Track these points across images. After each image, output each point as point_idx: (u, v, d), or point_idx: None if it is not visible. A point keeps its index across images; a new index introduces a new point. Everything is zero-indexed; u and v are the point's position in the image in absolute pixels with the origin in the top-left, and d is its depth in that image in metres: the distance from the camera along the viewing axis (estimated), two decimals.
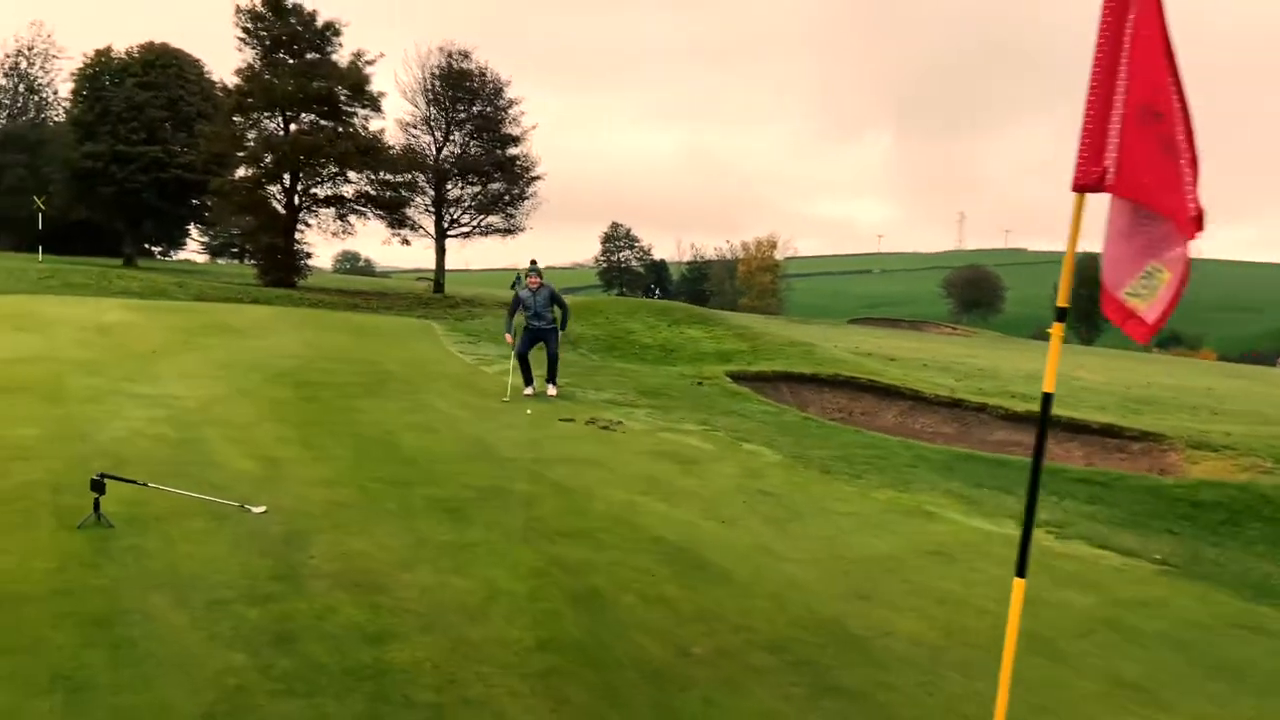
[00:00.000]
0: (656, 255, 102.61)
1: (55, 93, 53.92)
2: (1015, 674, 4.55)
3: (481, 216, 46.96)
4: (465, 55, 45.83)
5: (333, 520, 6.20)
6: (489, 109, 45.79)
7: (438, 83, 45.55)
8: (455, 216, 46.85)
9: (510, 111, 46.24)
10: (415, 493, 7.05)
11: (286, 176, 41.47)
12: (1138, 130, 3.00)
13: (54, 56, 53.26)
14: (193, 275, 41.98)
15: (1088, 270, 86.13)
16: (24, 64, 52.36)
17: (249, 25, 41.57)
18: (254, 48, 41.82)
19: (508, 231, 46.77)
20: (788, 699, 4.11)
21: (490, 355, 17.02)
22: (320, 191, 43.28)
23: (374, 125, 43.54)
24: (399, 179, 44.01)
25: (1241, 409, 17.04)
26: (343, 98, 42.00)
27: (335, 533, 5.94)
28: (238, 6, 41.30)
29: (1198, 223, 2.98)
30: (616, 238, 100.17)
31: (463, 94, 45.53)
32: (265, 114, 41.74)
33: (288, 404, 10.43)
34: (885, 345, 27.45)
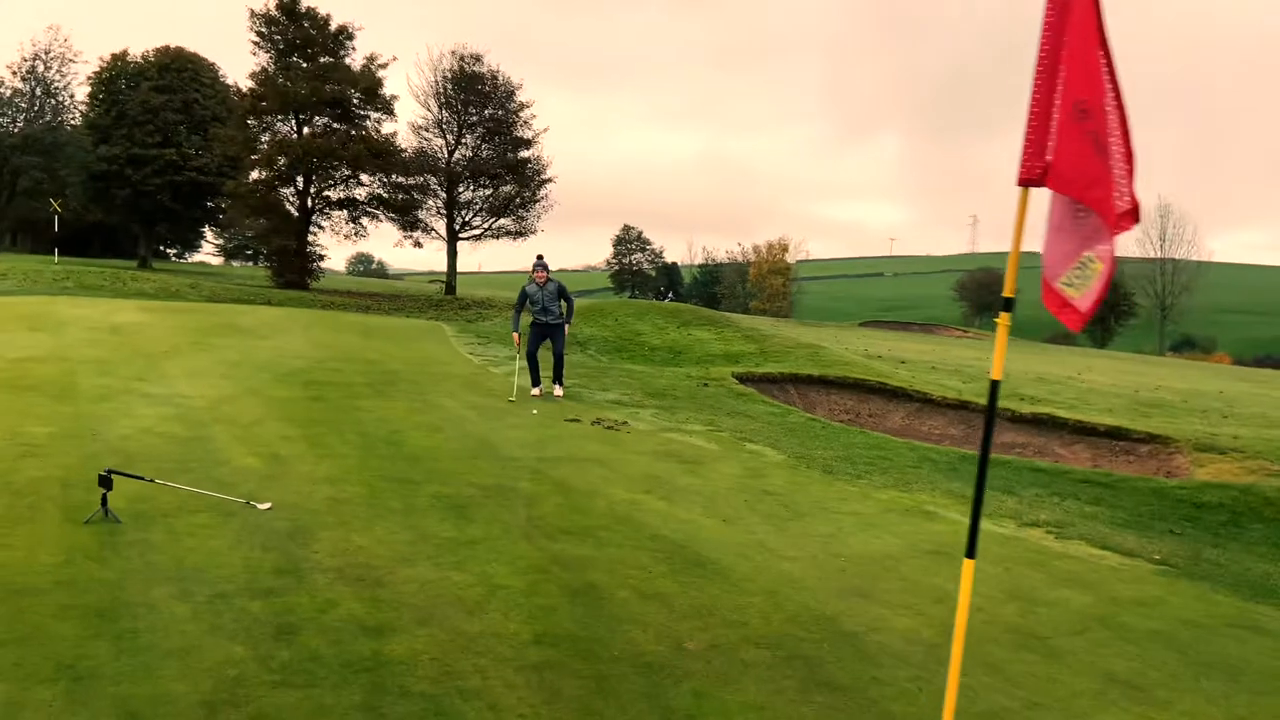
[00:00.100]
0: (668, 258, 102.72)
1: (72, 96, 54.41)
2: (1007, 670, 4.61)
3: (493, 219, 47.15)
4: (477, 59, 46.08)
5: (337, 516, 6.28)
6: (500, 112, 45.97)
7: (450, 86, 45.78)
8: (467, 219, 47.06)
9: (522, 114, 46.45)
10: (419, 490, 7.12)
11: (300, 179, 41.78)
12: (1070, 127, 3.11)
13: (70, 60, 53.70)
14: (206, 277, 42.30)
15: None
16: (41, 68, 52.80)
17: (263, 29, 41.92)
18: (268, 51, 42.18)
19: (519, 234, 46.97)
20: (779, 692, 4.16)
21: (499, 356, 17.10)
22: (333, 194, 43.61)
23: (386, 128, 43.93)
24: (411, 182, 44.25)
25: (1252, 412, 16.95)
26: (355, 101, 42.31)
27: (339, 529, 6.01)
28: (252, 11, 41.68)
29: (1132, 216, 3.08)
30: (628, 240, 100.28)
31: (475, 97, 45.74)
32: (279, 117, 42.08)
33: (295, 403, 10.53)
34: (896, 348, 27.44)
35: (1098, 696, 4.38)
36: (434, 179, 45.68)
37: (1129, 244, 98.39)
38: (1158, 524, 8.05)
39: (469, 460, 8.38)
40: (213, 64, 54.37)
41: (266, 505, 6.34)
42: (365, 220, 44.58)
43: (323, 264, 45.25)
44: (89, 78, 51.47)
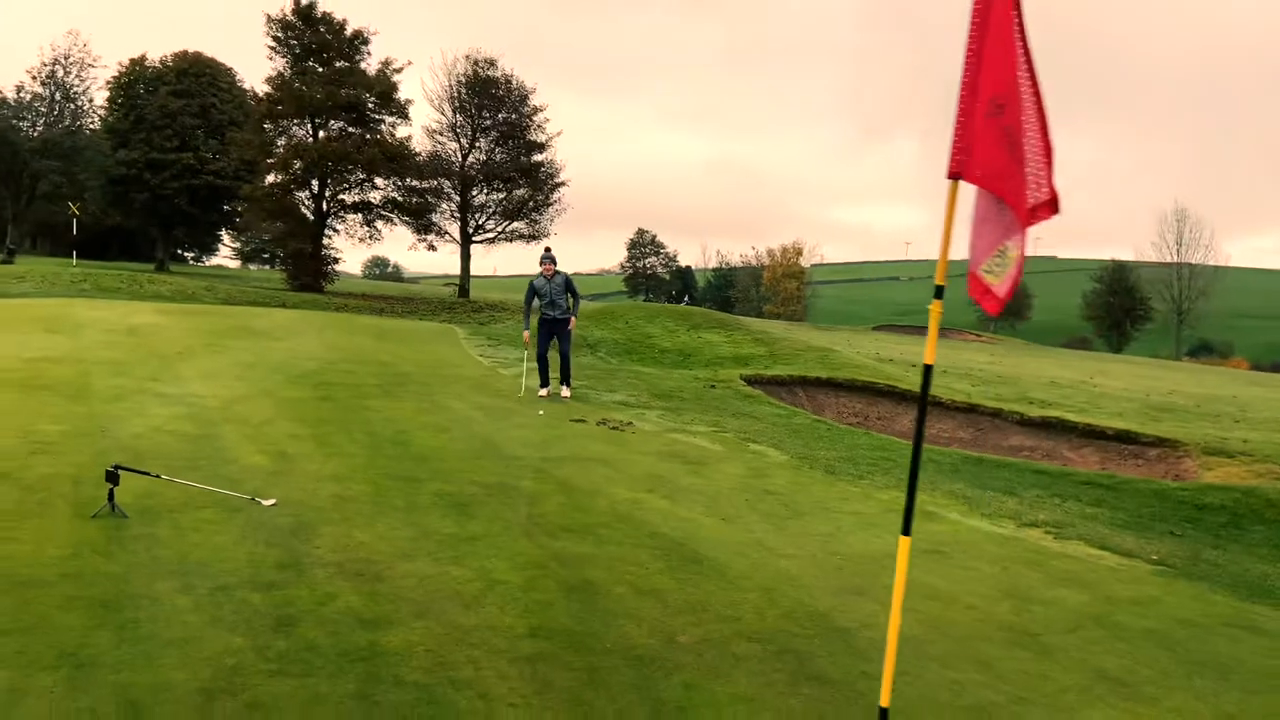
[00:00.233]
0: (682, 262, 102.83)
1: (91, 101, 55.01)
2: (998, 667, 4.65)
3: (506, 222, 47.41)
4: (491, 63, 46.37)
5: (340, 513, 6.37)
6: (514, 116, 46.23)
7: (464, 90, 46.08)
8: (480, 222, 47.32)
9: (535, 118, 46.73)
10: (423, 488, 7.21)
11: (315, 183, 42.12)
12: (985, 123, 3.24)
13: (90, 65, 54.27)
14: (222, 280, 42.63)
15: (1117, 279, 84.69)
16: (60, 72, 53.40)
17: (280, 34, 42.31)
18: (284, 56, 42.57)
19: (532, 237, 47.21)
20: (768, 685, 4.21)
21: (509, 358, 17.21)
22: (348, 197, 43.94)
23: (401, 132, 44.21)
24: (425, 185, 44.53)
25: (1265, 417, 16.88)
26: (370, 105, 42.63)
27: (341, 525, 6.10)
28: (269, 16, 42.07)
29: (1049, 207, 3.18)
30: (642, 244, 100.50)
31: (488, 101, 46.02)
32: (295, 121, 42.46)
33: (305, 403, 10.65)
34: (908, 352, 27.40)
35: (1085, 692, 4.41)
36: (448, 182, 46.00)
37: (1145, 248, 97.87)
38: (1158, 525, 8.05)
39: (474, 459, 8.46)
40: (230, 69, 54.98)
41: (272, 501, 6.44)
42: (380, 223, 44.97)
43: (338, 267, 45.59)
44: (108, 82, 52.14)
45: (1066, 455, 13.44)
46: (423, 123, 62.58)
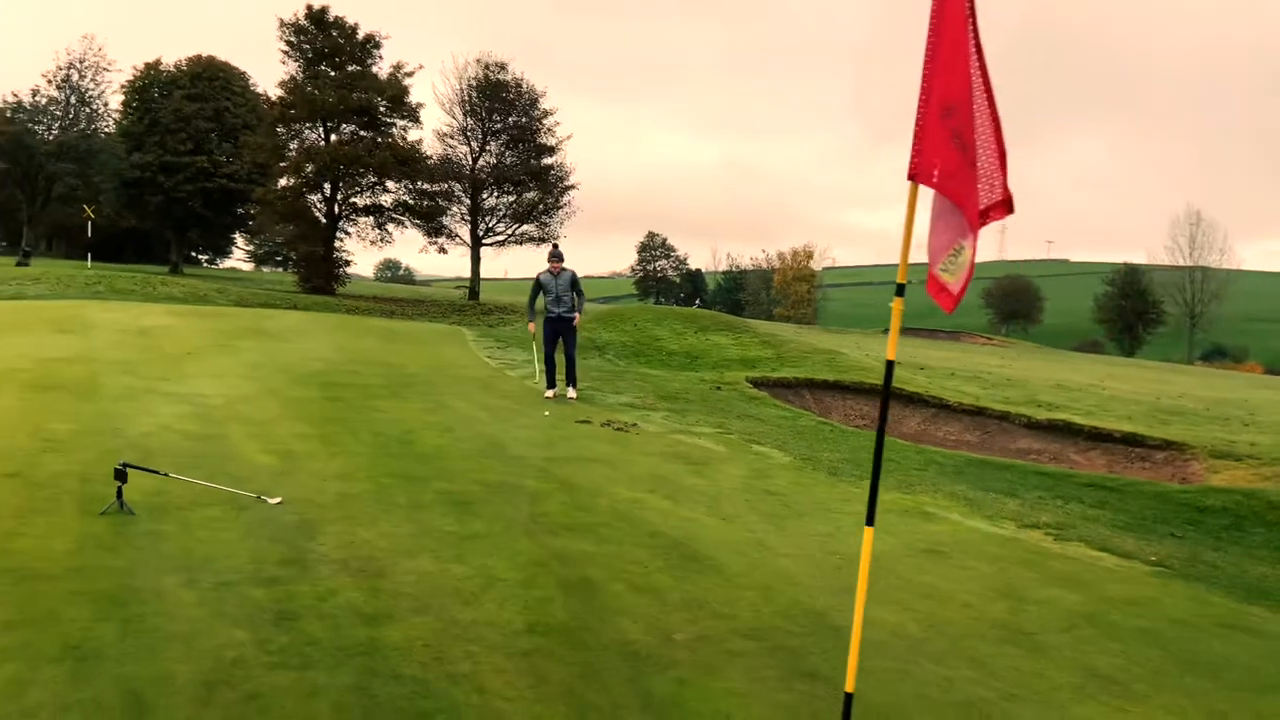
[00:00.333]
0: (692, 265, 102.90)
1: (105, 104, 55.47)
2: (990, 664, 4.68)
3: (516, 225, 47.56)
4: (502, 67, 46.55)
5: (344, 511, 6.45)
6: (524, 119, 46.41)
7: (475, 94, 46.28)
8: (490, 225, 47.51)
9: (545, 122, 46.88)
10: (426, 487, 7.28)
11: (327, 186, 42.38)
12: (938, 124, 3.31)
13: (104, 69, 54.72)
14: (235, 282, 42.88)
15: (1129, 282, 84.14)
16: (76, 76, 53.86)
17: (292, 39, 42.60)
18: (297, 60, 42.86)
19: (542, 240, 47.35)
20: (760, 681, 4.27)
21: (516, 360, 17.30)
22: (359, 200, 44.18)
23: (412, 135, 44.47)
24: (436, 188, 44.74)
25: (1274, 420, 16.79)
26: (382, 109, 42.87)
27: (345, 523, 6.18)
28: (281, 20, 42.35)
29: (1003, 208, 3.24)
30: (653, 247, 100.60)
31: (499, 105, 46.21)
32: (307, 125, 42.73)
33: (312, 403, 10.75)
34: (918, 355, 27.35)
35: (1076, 690, 4.45)
36: (459, 185, 46.20)
37: (1158, 251, 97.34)
38: (1160, 527, 8.06)
39: (477, 459, 8.54)
40: (243, 72, 55.37)
41: (277, 500, 6.53)
42: (391, 226, 45.18)
43: (350, 270, 45.87)
44: (122, 86, 52.60)
45: (1073, 458, 13.42)
46: (434, 126, 62.95)
